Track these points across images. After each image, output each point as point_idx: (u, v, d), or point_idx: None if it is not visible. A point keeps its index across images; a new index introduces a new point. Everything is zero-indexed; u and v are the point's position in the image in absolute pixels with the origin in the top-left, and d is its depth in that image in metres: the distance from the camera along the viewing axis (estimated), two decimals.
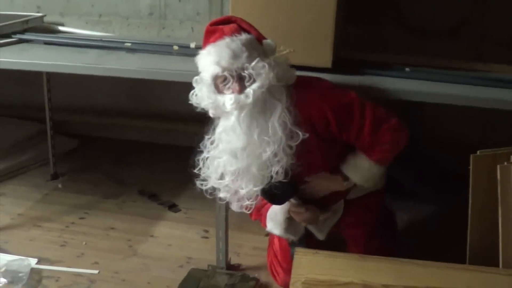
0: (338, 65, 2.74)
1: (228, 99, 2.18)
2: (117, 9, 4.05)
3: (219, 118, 2.29)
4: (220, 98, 2.21)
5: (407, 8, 3.63)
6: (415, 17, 3.63)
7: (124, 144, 4.62)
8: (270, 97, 2.19)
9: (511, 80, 2.73)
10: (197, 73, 2.69)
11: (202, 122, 2.44)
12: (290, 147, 2.20)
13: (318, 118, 2.30)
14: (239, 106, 2.17)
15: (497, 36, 3.59)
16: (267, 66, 2.18)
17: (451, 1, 3.59)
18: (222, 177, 2.30)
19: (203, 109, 2.29)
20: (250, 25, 2.30)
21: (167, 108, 4.38)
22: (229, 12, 2.77)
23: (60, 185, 3.91)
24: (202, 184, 2.34)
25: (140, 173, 4.12)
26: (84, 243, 3.20)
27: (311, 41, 2.72)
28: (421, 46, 3.61)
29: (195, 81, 2.28)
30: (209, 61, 2.22)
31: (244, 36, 2.22)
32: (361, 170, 2.42)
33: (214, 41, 2.24)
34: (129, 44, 3.13)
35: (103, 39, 3.38)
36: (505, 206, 2.37)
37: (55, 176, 3.99)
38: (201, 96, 2.25)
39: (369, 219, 2.72)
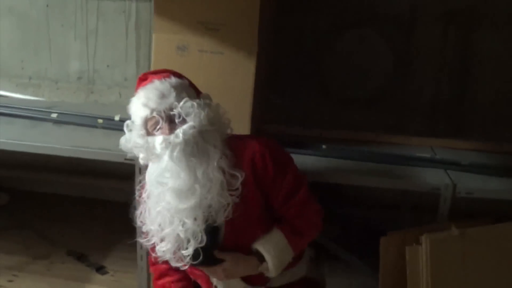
0: None
1: (158, 140, 2.10)
2: (46, 72, 4.11)
3: (147, 165, 2.24)
4: (150, 140, 2.13)
5: (329, 78, 3.77)
6: (337, 86, 3.74)
7: (55, 198, 4.63)
8: (204, 142, 2.10)
9: (427, 159, 2.92)
10: (118, 151, 2.76)
11: (132, 177, 2.48)
12: (230, 191, 2.12)
13: (258, 162, 2.20)
14: (170, 146, 2.07)
15: (415, 104, 3.75)
16: (196, 105, 2.13)
17: (372, 71, 3.74)
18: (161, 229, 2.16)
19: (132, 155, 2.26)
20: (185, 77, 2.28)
21: (98, 163, 4.40)
22: None
23: None
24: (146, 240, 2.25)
25: (70, 230, 4.14)
26: None
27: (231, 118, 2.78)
28: (343, 116, 3.71)
29: (126, 126, 2.22)
30: (138, 104, 2.17)
31: (174, 80, 2.21)
32: (277, 247, 2.26)
33: (144, 86, 2.22)
34: (55, 116, 3.18)
35: (31, 107, 3.44)
36: (413, 286, 2.47)
37: None
38: (131, 140, 2.19)
39: None
